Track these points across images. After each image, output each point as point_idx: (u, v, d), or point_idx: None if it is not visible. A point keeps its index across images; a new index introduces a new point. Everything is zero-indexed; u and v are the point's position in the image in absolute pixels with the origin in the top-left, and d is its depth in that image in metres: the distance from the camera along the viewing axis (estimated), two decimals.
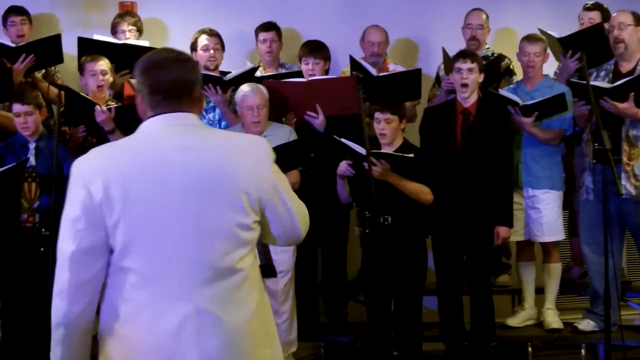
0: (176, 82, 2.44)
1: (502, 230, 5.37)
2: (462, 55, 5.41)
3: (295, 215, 2.54)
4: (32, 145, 5.17)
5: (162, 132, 2.42)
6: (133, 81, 5.91)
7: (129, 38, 5.91)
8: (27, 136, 5.17)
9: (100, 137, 5.39)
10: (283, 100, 5.47)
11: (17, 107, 5.13)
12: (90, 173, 2.35)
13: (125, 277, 2.35)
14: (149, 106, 2.46)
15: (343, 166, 5.04)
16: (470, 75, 5.32)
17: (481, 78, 5.41)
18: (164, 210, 2.34)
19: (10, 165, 4.77)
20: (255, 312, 2.44)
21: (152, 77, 2.44)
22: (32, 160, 5.14)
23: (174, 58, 2.47)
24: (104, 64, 5.44)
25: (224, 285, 2.38)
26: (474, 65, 5.33)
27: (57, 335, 2.40)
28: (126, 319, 2.36)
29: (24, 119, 5.11)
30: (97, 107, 5.22)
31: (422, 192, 5.00)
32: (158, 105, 2.44)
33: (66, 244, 2.35)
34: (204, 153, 2.39)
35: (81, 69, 5.51)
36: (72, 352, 2.41)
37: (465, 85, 5.33)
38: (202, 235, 2.36)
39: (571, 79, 5.49)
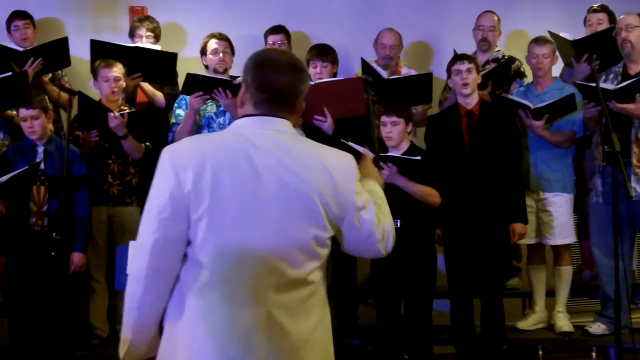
0: (286, 88, 2.46)
1: (517, 227, 5.36)
2: (459, 57, 5.43)
3: (375, 234, 2.54)
4: (40, 149, 5.19)
5: (259, 133, 2.41)
6: (145, 86, 5.93)
7: (145, 43, 5.92)
8: (34, 140, 5.18)
9: (112, 141, 5.41)
10: None
11: (23, 112, 5.14)
12: (182, 162, 2.34)
13: (200, 273, 2.34)
14: (252, 101, 2.47)
15: None
16: (469, 75, 5.34)
17: (479, 79, 5.43)
18: (248, 212, 2.33)
19: (24, 169, 4.78)
20: (319, 325, 2.46)
21: (265, 74, 2.45)
22: (41, 164, 5.15)
23: (291, 64, 2.49)
24: (117, 70, 5.46)
25: (295, 294, 2.39)
26: (472, 65, 5.36)
27: (129, 319, 2.41)
28: (196, 315, 2.34)
29: (30, 123, 5.12)
30: (110, 113, 5.24)
31: (430, 194, 5.00)
32: (262, 103, 2.45)
33: (149, 231, 2.34)
34: (296, 162, 2.39)
35: (94, 73, 5.52)
36: (142, 337, 2.43)
37: (466, 85, 5.34)
38: (281, 243, 2.36)
39: (578, 81, 5.49)
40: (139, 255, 2.36)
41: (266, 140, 2.40)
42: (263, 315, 2.34)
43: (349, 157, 2.55)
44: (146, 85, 5.93)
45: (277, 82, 2.45)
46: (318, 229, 2.41)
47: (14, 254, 5.14)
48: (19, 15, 5.88)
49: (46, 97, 5.41)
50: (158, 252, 2.34)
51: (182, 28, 6.65)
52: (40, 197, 5.13)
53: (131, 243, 4.31)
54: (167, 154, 2.38)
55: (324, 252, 2.46)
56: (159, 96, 5.99)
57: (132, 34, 6.09)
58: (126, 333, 2.44)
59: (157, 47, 5.84)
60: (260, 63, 2.47)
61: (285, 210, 2.36)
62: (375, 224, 2.54)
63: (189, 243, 2.36)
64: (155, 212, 2.33)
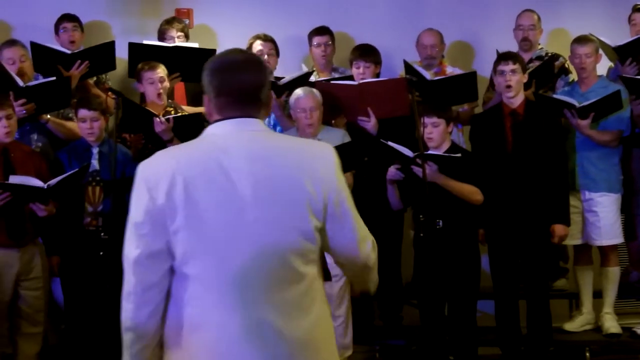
0: (245, 85, 2.40)
1: (558, 228, 5.32)
2: (504, 57, 5.37)
3: (356, 230, 2.47)
4: (95, 150, 5.22)
5: (228, 137, 2.38)
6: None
7: (178, 43, 5.96)
8: (90, 141, 5.21)
9: (159, 144, 5.45)
10: (335, 103, 5.49)
11: (83, 113, 5.17)
12: (154, 177, 2.34)
13: (189, 285, 2.34)
14: (217, 108, 2.43)
15: (392, 171, 5.04)
16: (513, 77, 5.28)
17: (525, 78, 5.37)
18: (227, 217, 2.31)
19: (74, 171, 4.85)
20: (319, 322, 2.42)
21: (222, 78, 2.41)
22: (96, 165, 5.18)
23: (244, 60, 2.44)
24: (161, 71, 5.48)
25: (288, 293, 2.35)
26: (517, 67, 5.29)
27: (126, 339, 2.40)
28: (191, 327, 2.34)
29: (90, 124, 5.15)
30: (156, 118, 5.26)
31: (472, 192, 4.98)
32: (226, 107, 2.41)
33: (131, 248, 2.34)
34: (271, 160, 2.36)
35: (138, 76, 5.56)
36: (142, 356, 2.41)
37: (509, 87, 5.29)
38: (265, 243, 2.32)
39: (624, 75, 5.43)
40: (126, 273, 2.36)
41: (238, 142, 2.37)
42: (256, 321, 2.31)
43: (328, 147, 2.49)
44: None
45: (235, 83, 2.40)
46: (303, 223, 2.35)
47: (69, 253, 5.21)
48: (67, 18, 5.95)
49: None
50: (142, 269, 2.33)
51: (226, 30, 6.67)
52: (95, 198, 5.16)
53: None
54: (140, 169, 2.39)
55: (313, 245, 2.39)
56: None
57: (161, 37, 6.08)
58: (126, 356, 2.42)
59: (196, 44, 5.87)
60: (214, 69, 2.43)
61: (265, 210, 2.32)
62: (357, 220, 2.46)
63: (174, 257, 2.35)
64: (134, 229, 2.34)
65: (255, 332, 2.31)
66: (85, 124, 5.17)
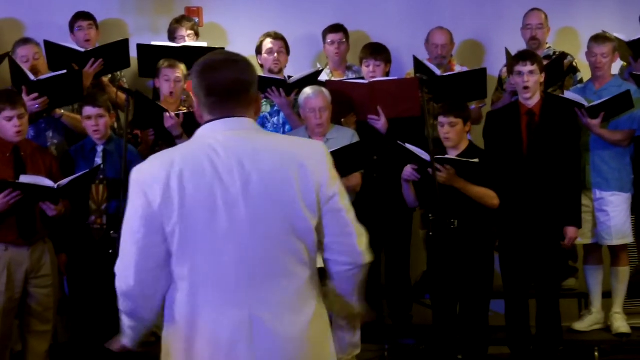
0: (231, 83, 2.43)
1: (570, 231, 5.30)
2: (522, 57, 5.31)
3: (352, 226, 2.48)
4: (99, 149, 5.20)
5: (218, 138, 2.41)
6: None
7: (188, 42, 5.96)
8: (96, 139, 5.19)
9: (169, 140, 5.46)
10: (346, 101, 5.48)
11: (88, 110, 5.15)
12: (149, 180, 2.36)
13: (182, 283, 2.38)
14: (206, 109, 2.46)
15: (408, 171, 5.03)
16: (531, 78, 5.24)
17: (543, 78, 5.33)
18: (218, 216, 2.34)
19: (84, 172, 4.85)
20: (313, 321, 2.43)
21: (207, 79, 2.43)
22: (100, 163, 5.20)
23: (227, 59, 2.46)
24: (180, 72, 5.49)
25: (279, 291, 2.38)
26: (535, 67, 5.25)
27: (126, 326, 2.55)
28: (185, 325, 2.38)
29: (95, 121, 5.14)
30: (166, 113, 5.27)
31: (488, 196, 4.97)
32: (214, 107, 2.45)
33: (130, 251, 2.39)
34: (260, 159, 2.38)
35: (157, 71, 5.56)
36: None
37: (527, 88, 5.26)
38: (256, 242, 2.35)
39: (635, 72, 5.41)
40: (125, 275, 2.42)
41: (228, 142, 2.39)
42: (246, 318, 2.34)
43: (318, 144, 2.53)
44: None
45: (221, 82, 2.43)
46: (295, 220, 2.38)
47: (75, 252, 5.22)
48: (83, 16, 5.97)
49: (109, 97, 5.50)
50: (142, 269, 2.38)
51: (237, 28, 6.68)
52: (100, 196, 5.16)
53: None
54: (134, 173, 2.41)
55: (307, 243, 2.42)
56: None
57: (172, 36, 6.09)
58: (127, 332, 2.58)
59: (204, 44, 5.87)
60: (199, 71, 2.46)
61: (255, 209, 2.35)
62: (352, 215, 2.49)
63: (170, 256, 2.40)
64: (130, 233, 2.38)
65: (245, 330, 2.34)
66: (90, 122, 5.15)
